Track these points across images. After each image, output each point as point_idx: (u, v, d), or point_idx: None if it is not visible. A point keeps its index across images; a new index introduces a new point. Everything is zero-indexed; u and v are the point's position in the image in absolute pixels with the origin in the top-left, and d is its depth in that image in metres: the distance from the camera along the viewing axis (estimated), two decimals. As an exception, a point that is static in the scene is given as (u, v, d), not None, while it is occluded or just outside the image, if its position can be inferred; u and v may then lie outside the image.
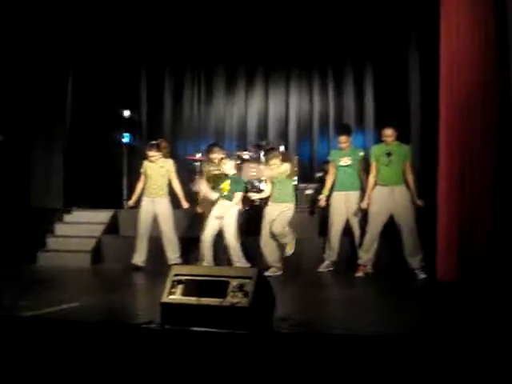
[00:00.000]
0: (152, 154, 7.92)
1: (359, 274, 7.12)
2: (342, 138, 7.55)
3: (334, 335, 4.09)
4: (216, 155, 8.05)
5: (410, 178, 7.11)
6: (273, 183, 7.47)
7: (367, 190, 7.25)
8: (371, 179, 7.23)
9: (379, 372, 3.59)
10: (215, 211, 7.39)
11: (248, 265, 7.18)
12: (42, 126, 9.42)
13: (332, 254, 7.52)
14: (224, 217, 7.30)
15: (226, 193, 7.40)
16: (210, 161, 8.08)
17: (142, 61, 11.15)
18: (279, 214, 7.25)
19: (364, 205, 7.19)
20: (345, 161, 7.51)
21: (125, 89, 10.76)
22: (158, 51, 11.07)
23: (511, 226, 6.19)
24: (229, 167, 7.51)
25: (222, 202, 7.39)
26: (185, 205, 7.94)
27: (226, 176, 7.52)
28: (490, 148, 6.52)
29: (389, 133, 7.18)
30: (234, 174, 7.55)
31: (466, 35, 6.69)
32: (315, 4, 9.95)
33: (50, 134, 9.50)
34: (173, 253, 7.81)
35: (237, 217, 7.40)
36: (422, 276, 6.86)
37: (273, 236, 7.28)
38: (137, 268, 7.79)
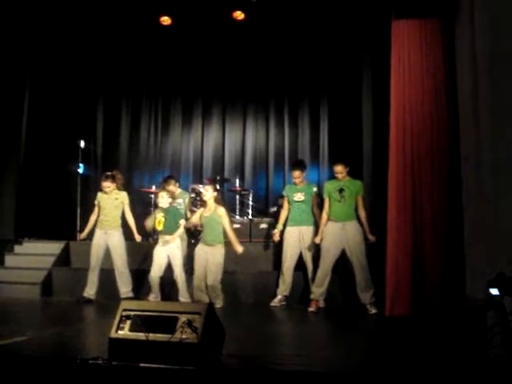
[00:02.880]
0: (106, 184, 7.87)
1: (312, 308, 7.15)
2: (296, 174, 7.65)
3: (282, 371, 4.10)
4: (172, 187, 8.06)
5: (363, 213, 7.23)
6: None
7: (320, 225, 7.34)
8: (324, 215, 7.31)
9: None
10: (158, 246, 7.45)
11: (189, 300, 7.26)
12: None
13: (285, 288, 7.55)
14: (168, 251, 7.38)
15: (160, 227, 7.50)
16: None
17: (99, 91, 11.13)
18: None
19: (317, 240, 7.28)
20: (298, 196, 7.61)
21: (81, 119, 10.70)
22: (115, 82, 11.07)
23: (460, 265, 6.34)
24: (164, 200, 7.56)
25: (163, 237, 7.47)
26: (137, 238, 7.90)
27: (161, 209, 7.60)
28: (439, 189, 6.74)
29: (339, 169, 7.29)
30: (171, 207, 7.60)
31: (415, 71, 6.95)
32: (273, 41, 10.14)
33: (3, 164, 9.36)
34: (124, 286, 7.74)
35: (180, 249, 7.46)
36: (373, 311, 6.94)
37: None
38: (87, 301, 7.68)
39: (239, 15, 9.60)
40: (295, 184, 7.70)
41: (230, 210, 9.71)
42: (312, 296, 7.25)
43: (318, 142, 10.69)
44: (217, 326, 4.26)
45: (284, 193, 7.86)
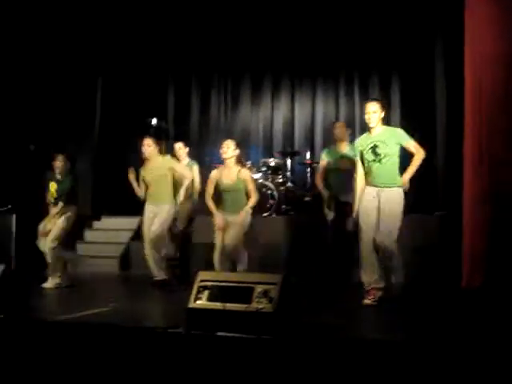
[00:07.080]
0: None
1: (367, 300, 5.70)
2: None
3: (357, 340, 4.12)
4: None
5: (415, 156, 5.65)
6: None
7: (355, 194, 5.86)
8: (358, 181, 5.85)
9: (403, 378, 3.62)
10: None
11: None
12: (72, 135, 9.60)
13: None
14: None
15: (51, 199, 6.99)
16: None
17: (170, 69, 11.27)
18: None
19: (354, 214, 5.87)
20: None
21: (152, 97, 10.89)
22: (184, 59, 11.19)
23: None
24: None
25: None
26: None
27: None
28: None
29: (371, 107, 5.65)
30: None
31: (491, 44, 6.70)
32: (343, 13, 10.00)
33: (80, 143, 9.68)
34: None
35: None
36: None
37: None
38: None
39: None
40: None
41: (302, 184, 9.76)
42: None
43: (389, 114, 10.48)
44: (292, 296, 4.31)
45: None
